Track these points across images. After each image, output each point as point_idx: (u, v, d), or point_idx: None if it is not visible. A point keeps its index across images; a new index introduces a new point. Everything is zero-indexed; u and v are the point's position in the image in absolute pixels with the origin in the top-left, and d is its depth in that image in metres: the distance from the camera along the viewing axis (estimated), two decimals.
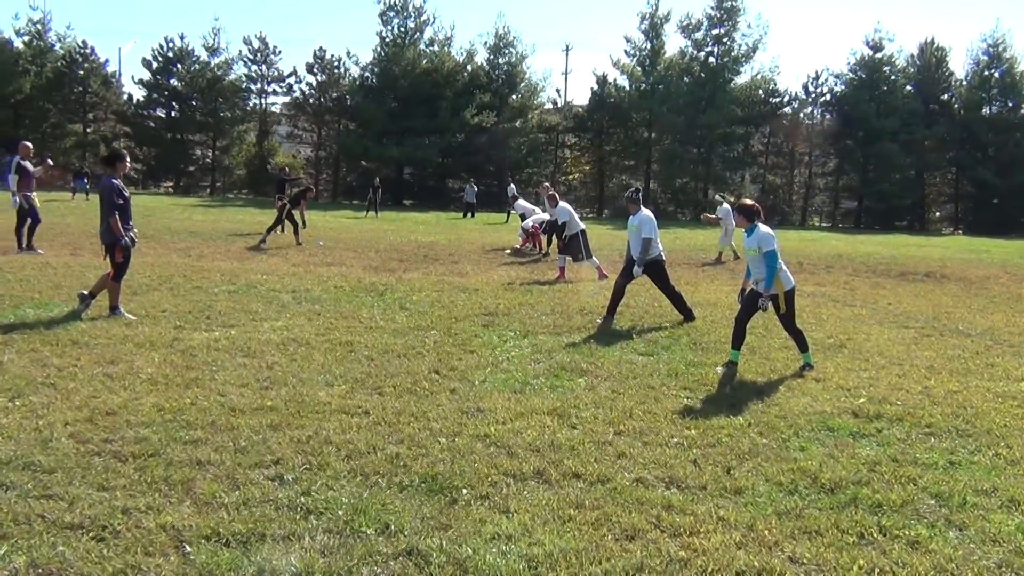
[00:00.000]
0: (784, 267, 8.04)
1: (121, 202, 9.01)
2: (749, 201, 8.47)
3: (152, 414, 5.69)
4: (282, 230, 20.55)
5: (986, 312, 12.77)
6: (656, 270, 10.53)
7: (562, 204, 15.93)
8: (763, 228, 7.99)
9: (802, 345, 8.07)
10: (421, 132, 49.90)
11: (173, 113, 55.22)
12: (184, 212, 29.86)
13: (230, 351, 7.73)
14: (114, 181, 9.02)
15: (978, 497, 4.79)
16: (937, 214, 56.17)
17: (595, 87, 54.55)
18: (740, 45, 51.77)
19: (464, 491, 4.58)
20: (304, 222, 20.80)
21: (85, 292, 9.23)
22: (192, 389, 6.38)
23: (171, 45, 54.14)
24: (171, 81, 54.47)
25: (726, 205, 19.43)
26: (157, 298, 10.37)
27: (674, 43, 55.04)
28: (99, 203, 9.19)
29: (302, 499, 4.37)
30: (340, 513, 4.22)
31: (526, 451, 5.28)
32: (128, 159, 9.72)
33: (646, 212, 10.50)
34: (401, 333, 8.99)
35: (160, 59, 54.10)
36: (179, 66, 54.23)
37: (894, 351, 9.15)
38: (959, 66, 56.11)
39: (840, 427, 6.09)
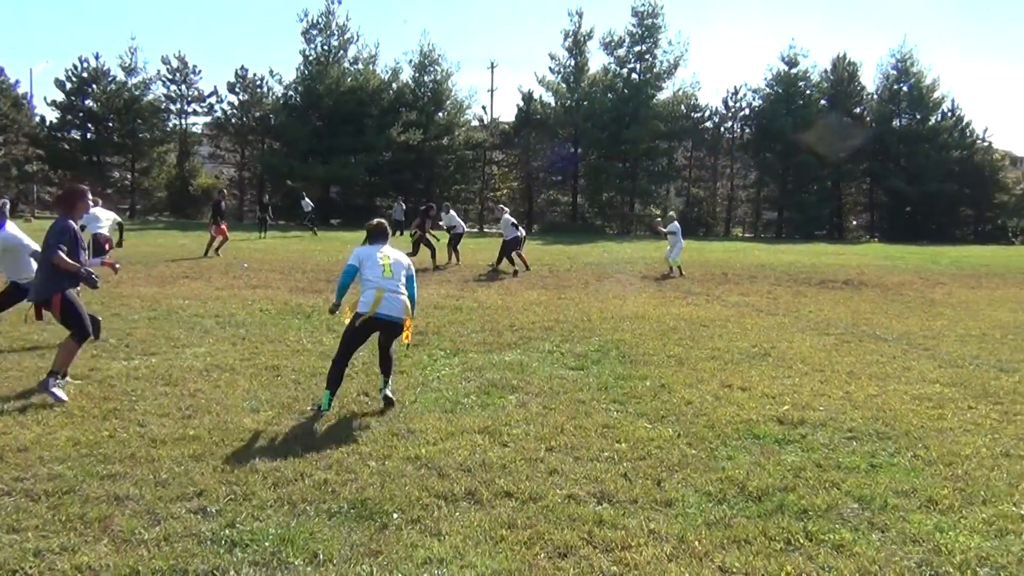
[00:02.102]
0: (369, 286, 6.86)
1: (64, 248, 6.87)
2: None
3: (67, 449, 5.46)
4: (217, 252, 21.10)
5: (902, 317, 13.23)
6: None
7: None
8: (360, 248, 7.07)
9: (331, 386, 6.70)
10: (347, 150, 49.33)
11: (89, 135, 53.32)
12: None
13: (150, 380, 7.49)
14: (69, 222, 7.03)
15: (898, 499, 4.93)
16: (854, 222, 58.04)
17: (521, 104, 54.84)
18: (662, 62, 52.73)
19: (395, 515, 4.51)
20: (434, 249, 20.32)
21: (55, 372, 6.93)
22: (110, 421, 6.16)
23: (86, 65, 52.36)
24: (86, 102, 52.60)
25: (676, 223, 20.22)
26: None
27: (597, 60, 55.40)
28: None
29: (226, 531, 4.24)
30: (267, 544, 4.10)
31: (457, 471, 5.24)
32: (90, 197, 7.53)
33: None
34: (329, 356, 8.80)
35: (74, 80, 52.31)
36: (94, 87, 52.43)
37: (816, 358, 9.40)
38: (870, 80, 58.17)
39: (766, 434, 6.22)
